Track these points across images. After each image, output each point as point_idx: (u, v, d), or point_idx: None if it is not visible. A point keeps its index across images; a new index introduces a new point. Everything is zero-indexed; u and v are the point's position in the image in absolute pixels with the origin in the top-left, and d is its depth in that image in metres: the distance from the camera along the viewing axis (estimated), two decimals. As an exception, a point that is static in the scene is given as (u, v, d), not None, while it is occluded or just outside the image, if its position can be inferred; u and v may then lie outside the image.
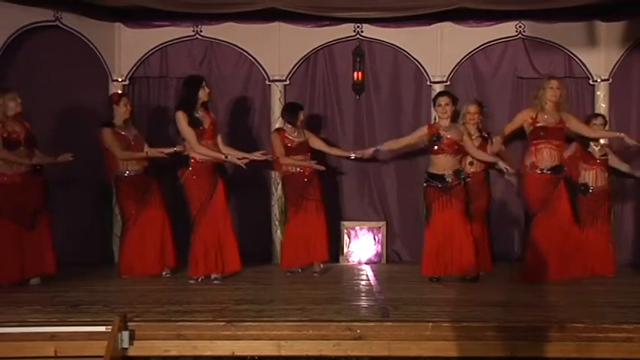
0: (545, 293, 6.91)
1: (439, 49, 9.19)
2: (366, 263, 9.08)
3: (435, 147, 7.49)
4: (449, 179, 7.45)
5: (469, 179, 7.73)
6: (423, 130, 7.69)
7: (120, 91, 8.74)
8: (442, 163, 7.47)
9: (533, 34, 9.11)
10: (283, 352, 5.26)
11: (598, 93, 9.10)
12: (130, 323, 5.22)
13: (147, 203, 7.84)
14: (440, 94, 7.78)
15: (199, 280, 7.32)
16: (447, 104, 7.50)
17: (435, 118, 8.32)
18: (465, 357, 5.24)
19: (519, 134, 7.87)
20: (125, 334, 5.15)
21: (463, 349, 5.21)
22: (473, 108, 7.99)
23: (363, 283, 7.60)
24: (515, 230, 9.14)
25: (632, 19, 8.82)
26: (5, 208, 7.15)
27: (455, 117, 7.78)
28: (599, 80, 9.08)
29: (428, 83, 9.23)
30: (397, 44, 9.24)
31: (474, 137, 7.82)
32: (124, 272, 7.80)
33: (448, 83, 9.17)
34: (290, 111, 8.14)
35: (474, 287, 7.16)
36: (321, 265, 8.07)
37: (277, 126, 8.70)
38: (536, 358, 5.21)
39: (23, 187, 7.18)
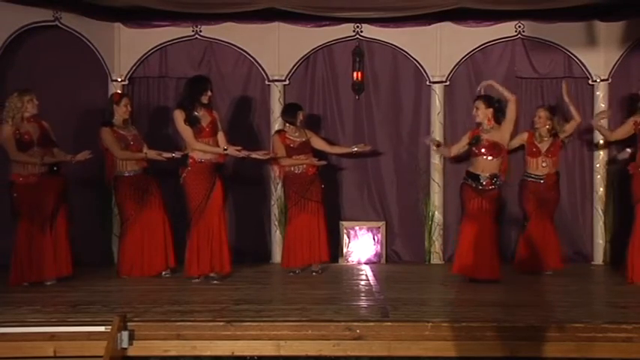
0: (545, 293, 6.91)
1: (439, 49, 9.18)
2: (365, 263, 9.07)
3: (474, 149, 7.52)
4: (484, 181, 7.45)
5: (542, 181, 8.04)
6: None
7: (120, 91, 8.73)
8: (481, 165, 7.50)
9: (533, 34, 9.11)
10: (283, 352, 5.27)
11: (597, 93, 9.10)
12: (129, 323, 5.22)
13: (146, 203, 7.84)
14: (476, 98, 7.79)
15: (199, 279, 7.32)
16: (477, 108, 7.56)
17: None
18: (465, 357, 5.24)
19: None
20: (125, 334, 5.15)
21: (463, 349, 5.22)
22: (543, 113, 8.19)
23: (363, 283, 7.60)
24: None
25: (632, 19, 8.81)
26: (23, 209, 7.14)
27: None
28: (598, 80, 9.08)
29: (427, 83, 9.23)
30: (397, 44, 9.23)
31: (545, 139, 8.11)
32: (123, 272, 7.80)
33: (448, 83, 9.18)
34: (289, 111, 8.14)
35: (474, 287, 7.15)
36: (319, 265, 8.07)
37: (277, 126, 8.72)
38: (536, 358, 5.22)
39: (39, 188, 7.14)
